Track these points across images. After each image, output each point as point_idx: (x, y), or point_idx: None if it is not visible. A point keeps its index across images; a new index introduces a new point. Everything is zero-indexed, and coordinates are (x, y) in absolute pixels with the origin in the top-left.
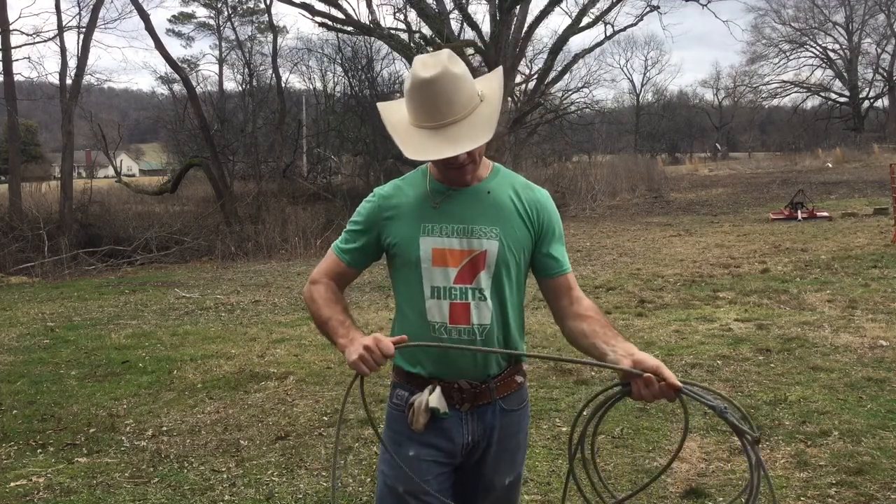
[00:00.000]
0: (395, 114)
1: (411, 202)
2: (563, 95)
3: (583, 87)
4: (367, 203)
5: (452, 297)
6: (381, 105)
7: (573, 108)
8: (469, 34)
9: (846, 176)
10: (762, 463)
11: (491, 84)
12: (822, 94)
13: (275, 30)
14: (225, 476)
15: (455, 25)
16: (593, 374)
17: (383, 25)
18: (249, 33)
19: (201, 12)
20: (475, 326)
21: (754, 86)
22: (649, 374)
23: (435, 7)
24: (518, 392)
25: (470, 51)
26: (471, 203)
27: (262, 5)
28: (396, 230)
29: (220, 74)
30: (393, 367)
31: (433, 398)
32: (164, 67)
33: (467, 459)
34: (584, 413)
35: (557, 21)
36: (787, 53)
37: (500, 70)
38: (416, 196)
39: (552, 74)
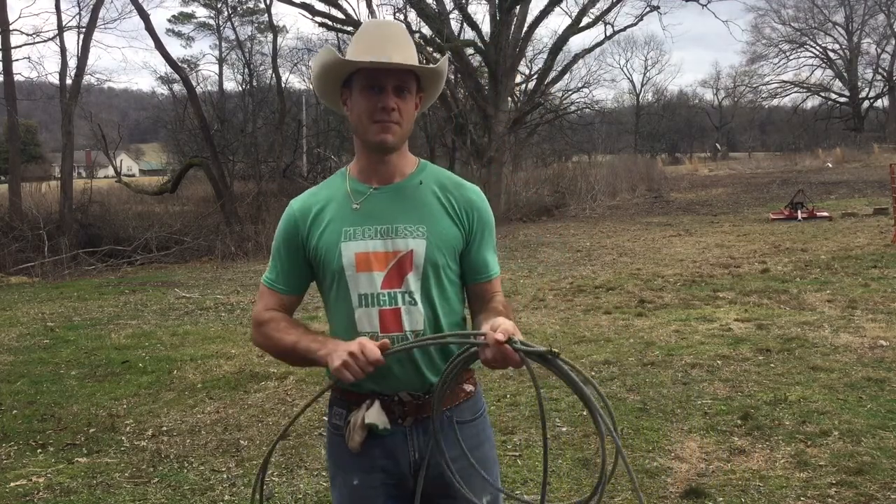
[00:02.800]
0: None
1: (330, 207)
2: (563, 95)
3: (583, 87)
4: (284, 220)
5: (381, 303)
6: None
7: (573, 108)
8: (469, 34)
9: (846, 176)
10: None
11: None
12: (822, 94)
13: (275, 30)
14: (225, 476)
15: (455, 25)
16: (593, 373)
17: None
18: (249, 33)
19: (201, 12)
20: (408, 333)
21: (754, 86)
22: (489, 333)
23: (435, 7)
24: (469, 402)
25: (470, 51)
26: (394, 201)
27: (262, 5)
28: (317, 239)
29: (220, 74)
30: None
31: (370, 413)
32: (164, 67)
33: (426, 482)
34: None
35: (557, 21)
36: (787, 53)
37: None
38: (335, 200)
39: (552, 74)
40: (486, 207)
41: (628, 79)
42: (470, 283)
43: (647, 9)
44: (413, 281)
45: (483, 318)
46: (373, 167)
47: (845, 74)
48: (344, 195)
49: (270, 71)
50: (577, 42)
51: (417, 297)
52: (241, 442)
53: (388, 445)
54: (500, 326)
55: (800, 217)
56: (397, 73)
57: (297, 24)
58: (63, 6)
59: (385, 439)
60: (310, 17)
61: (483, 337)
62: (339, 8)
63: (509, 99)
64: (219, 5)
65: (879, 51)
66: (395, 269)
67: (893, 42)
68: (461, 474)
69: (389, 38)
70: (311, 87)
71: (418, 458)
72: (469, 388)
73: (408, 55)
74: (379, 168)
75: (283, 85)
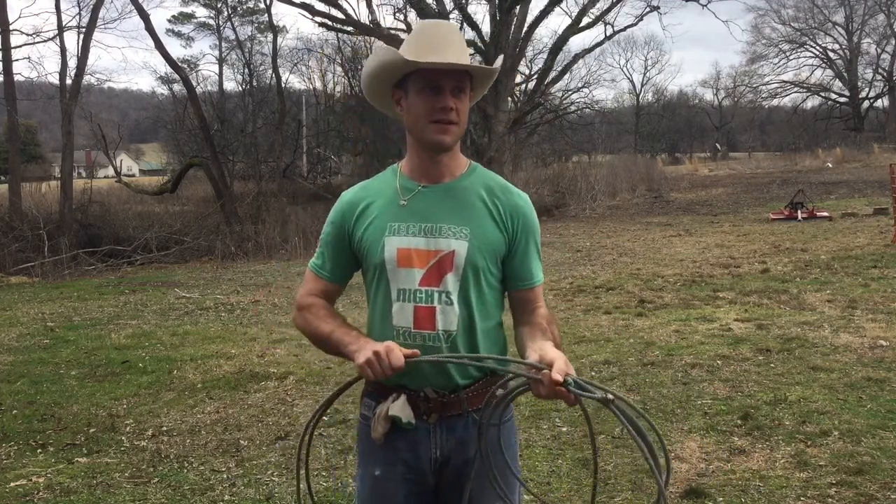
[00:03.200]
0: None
1: (379, 201)
2: (563, 95)
3: (583, 87)
4: (333, 210)
5: (418, 300)
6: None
7: (573, 108)
8: (469, 34)
9: (846, 176)
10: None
11: None
12: (822, 94)
13: (275, 30)
14: (225, 476)
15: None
16: (593, 373)
17: (383, 25)
18: (249, 33)
19: (201, 12)
20: (440, 332)
21: (754, 86)
22: (546, 371)
23: (435, 7)
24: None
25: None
26: (441, 201)
27: (262, 5)
28: (363, 231)
29: (220, 74)
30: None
31: (395, 406)
32: (164, 67)
33: (443, 478)
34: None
35: (557, 21)
36: (787, 53)
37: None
38: (384, 195)
39: (552, 74)
40: (532, 214)
41: (628, 79)
42: (512, 290)
43: (647, 9)
44: (452, 281)
45: (527, 333)
46: (424, 166)
47: (845, 74)
48: (393, 191)
49: (270, 71)
50: (577, 42)
51: (454, 297)
52: (241, 442)
53: (411, 440)
54: (555, 363)
55: (800, 217)
56: (455, 74)
57: (297, 24)
58: (63, 6)
59: (408, 434)
60: (310, 17)
61: (535, 370)
62: (339, 8)
63: (509, 99)
64: (219, 5)
65: (879, 51)
66: (435, 268)
67: (893, 42)
68: (478, 476)
69: (446, 39)
70: (310, 86)
71: (439, 455)
72: (500, 392)
73: (463, 56)
74: (430, 168)
75: (283, 85)
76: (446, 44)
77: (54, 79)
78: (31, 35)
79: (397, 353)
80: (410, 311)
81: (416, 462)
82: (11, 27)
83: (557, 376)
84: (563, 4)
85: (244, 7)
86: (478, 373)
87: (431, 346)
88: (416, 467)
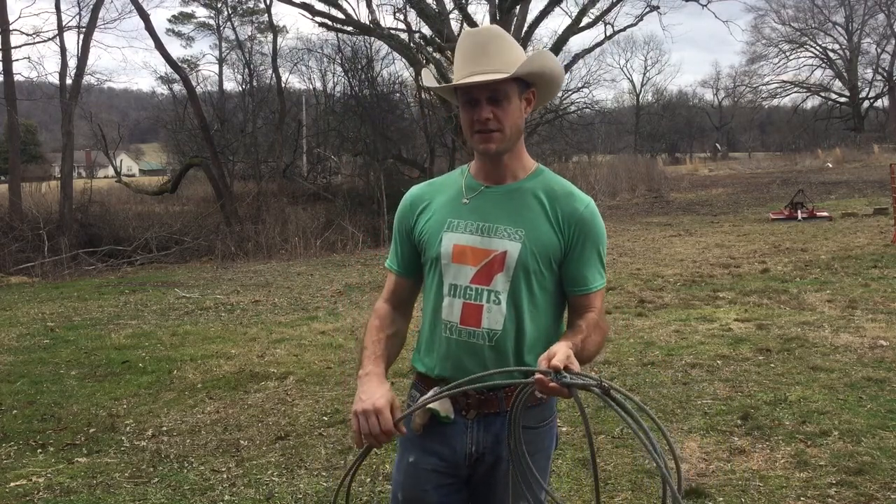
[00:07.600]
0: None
1: (443, 198)
2: (562, 95)
3: (583, 87)
4: (400, 204)
5: (467, 296)
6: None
7: (573, 108)
8: None
9: (846, 176)
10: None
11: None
12: (822, 94)
13: (275, 30)
14: (225, 476)
15: (455, 25)
16: (592, 374)
17: (383, 25)
18: (249, 33)
19: (201, 12)
20: (485, 330)
21: (754, 86)
22: (540, 378)
23: (435, 7)
24: (536, 408)
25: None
26: (500, 202)
27: (262, 5)
28: (425, 225)
29: (220, 74)
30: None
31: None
32: (164, 67)
33: (476, 472)
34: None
35: (557, 21)
36: (787, 53)
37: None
38: (448, 192)
39: None
40: (592, 220)
41: (628, 79)
42: (568, 294)
43: (647, 9)
44: (501, 281)
45: (563, 336)
46: (486, 169)
47: (845, 74)
48: (458, 189)
49: (270, 71)
50: (577, 42)
51: (503, 297)
52: (241, 442)
53: (448, 433)
54: (552, 357)
55: (800, 217)
56: (488, 84)
57: (297, 24)
58: (63, 6)
59: (446, 427)
60: (310, 17)
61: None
62: (339, 8)
63: None
64: (219, 5)
65: (879, 51)
66: (486, 267)
67: (893, 42)
68: (505, 477)
69: (482, 49)
70: (310, 86)
71: (475, 451)
72: (540, 394)
73: (500, 62)
74: (492, 170)
75: (283, 85)
76: (481, 54)
77: (54, 79)
78: (31, 35)
79: (385, 418)
80: (459, 306)
81: (451, 455)
82: (11, 27)
83: (539, 374)
84: (563, 4)
85: (244, 7)
86: (520, 374)
87: (476, 342)
88: (451, 461)
